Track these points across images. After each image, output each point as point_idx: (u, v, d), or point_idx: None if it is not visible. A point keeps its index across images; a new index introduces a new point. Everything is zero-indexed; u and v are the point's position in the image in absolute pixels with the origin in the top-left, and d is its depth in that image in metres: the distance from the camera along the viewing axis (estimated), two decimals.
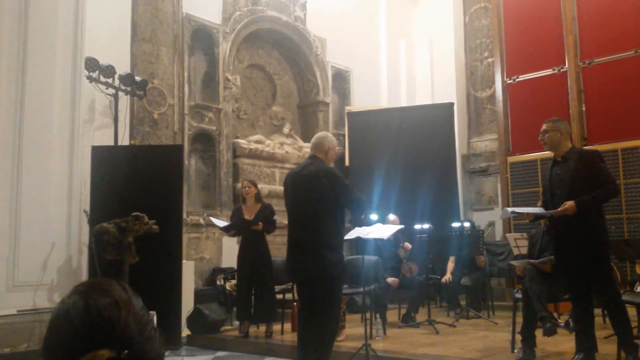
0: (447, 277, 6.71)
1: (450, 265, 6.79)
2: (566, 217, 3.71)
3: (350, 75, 9.12)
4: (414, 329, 5.82)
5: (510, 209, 3.99)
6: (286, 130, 8.38)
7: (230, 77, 7.54)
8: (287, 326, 5.75)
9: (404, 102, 9.82)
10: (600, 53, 7.42)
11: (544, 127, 3.89)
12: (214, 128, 7.30)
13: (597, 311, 4.02)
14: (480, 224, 9.39)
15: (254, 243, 5.48)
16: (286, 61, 8.64)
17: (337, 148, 3.90)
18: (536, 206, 4.81)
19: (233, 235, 6.03)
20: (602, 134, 7.25)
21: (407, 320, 6.05)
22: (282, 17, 8.20)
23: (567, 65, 7.60)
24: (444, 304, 7.24)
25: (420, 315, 6.21)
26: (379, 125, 8.60)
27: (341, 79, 9.03)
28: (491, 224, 9.25)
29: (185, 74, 7.06)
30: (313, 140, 3.75)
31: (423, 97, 9.88)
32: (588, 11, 7.52)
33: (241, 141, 7.73)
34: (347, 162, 8.58)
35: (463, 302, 6.87)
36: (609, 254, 4.03)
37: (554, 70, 7.73)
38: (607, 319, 4.10)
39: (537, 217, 3.99)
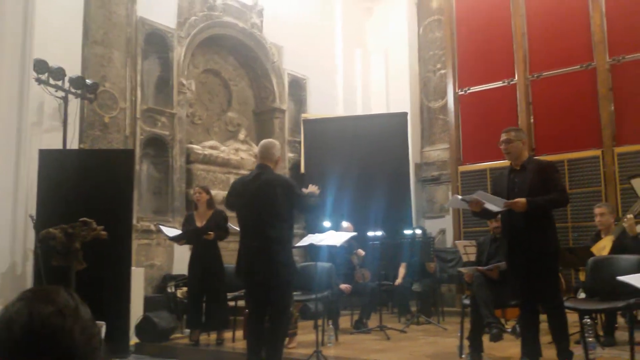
0: (399, 281, 6.84)
1: (402, 271, 6.90)
2: (519, 226, 3.81)
3: (307, 82, 9.18)
4: (365, 335, 5.87)
5: (459, 196, 4.00)
6: (242, 136, 8.34)
7: (184, 82, 7.47)
8: (239, 334, 5.71)
9: (359, 111, 9.95)
10: (548, 67, 7.69)
11: (505, 137, 3.97)
12: (167, 133, 7.20)
13: (543, 317, 4.15)
14: (431, 231, 9.58)
15: (206, 250, 5.43)
16: (242, 67, 8.61)
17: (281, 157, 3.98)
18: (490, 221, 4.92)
19: (184, 244, 5.96)
20: (550, 145, 7.50)
21: (359, 327, 6.10)
22: (238, 24, 8.18)
23: (516, 78, 7.85)
24: (396, 310, 7.33)
25: (372, 322, 6.27)
26: (334, 133, 8.68)
27: (297, 87, 9.07)
28: (442, 231, 9.43)
29: (138, 78, 6.95)
30: (261, 149, 3.81)
31: (378, 106, 10.03)
32: (537, 27, 7.80)
33: (195, 147, 7.65)
34: (302, 169, 8.61)
35: (414, 308, 6.98)
36: (558, 264, 4.17)
37: (504, 82, 7.97)
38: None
39: (484, 212, 3.94)
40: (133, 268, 5.70)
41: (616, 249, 5.00)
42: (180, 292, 6.56)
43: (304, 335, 5.52)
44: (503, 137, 3.99)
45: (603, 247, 5.13)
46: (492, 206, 3.84)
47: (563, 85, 7.51)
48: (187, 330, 5.72)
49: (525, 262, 3.85)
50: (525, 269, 3.87)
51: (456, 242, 7.13)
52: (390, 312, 7.72)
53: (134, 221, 6.27)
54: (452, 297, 8.30)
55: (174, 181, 7.19)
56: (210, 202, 5.66)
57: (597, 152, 7.13)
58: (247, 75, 8.67)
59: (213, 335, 5.60)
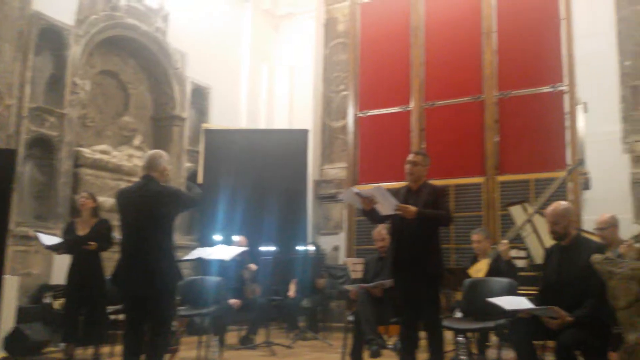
0: (291, 294, 6.89)
1: (292, 287, 6.95)
2: (408, 245, 3.97)
3: (210, 92, 9.06)
4: (251, 351, 5.83)
5: (355, 189, 4.07)
6: (137, 142, 8.06)
7: (78, 82, 7.12)
8: (118, 349, 5.45)
9: (262, 125, 9.96)
10: (441, 96, 8.11)
11: (413, 158, 4.15)
12: (56, 134, 6.81)
13: (423, 334, 4.32)
14: (326, 248, 9.74)
15: (86, 260, 5.16)
16: (143, 71, 8.36)
17: (169, 167, 3.91)
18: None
19: (63, 253, 5.60)
20: (438, 170, 7.85)
21: (246, 342, 6.05)
22: (141, 27, 7.95)
23: (412, 105, 8.20)
24: (285, 326, 7.35)
25: (260, 337, 6.25)
26: (235, 145, 8.62)
27: (200, 95, 8.93)
28: (336, 248, 9.61)
29: (28, 74, 6.54)
30: (148, 158, 3.75)
31: (281, 122, 10.11)
32: (434, 58, 8.21)
33: (85, 150, 7.30)
34: (200, 180, 8.46)
35: (303, 324, 7.04)
36: (441, 285, 4.37)
37: (400, 108, 8.30)
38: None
39: (373, 213, 4.02)
40: (6, 276, 5.29)
41: (491, 271, 5.34)
42: (58, 303, 6.17)
43: (187, 351, 5.40)
44: (411, 157, 4.17)
45: (479, 270, 5.46)
46: (384, 206, 3.94)
47: (454, 114, 7.94)
48: (63, 344, 5.39)
49: (410, 280, 4.01)
50: (410, 287, 4.03)
51: (346, 259, 7.28)
52: (279, 327, 7.72)
53: (12, 226, 5.85)
54: (341, 313, 8.44)
55: (59, 185, 6.80)
56: (95, 210, 5.41)
57: (480, 180, 7.59)
58: (148, 80, 8.42)
59: (90, 350, 5.31)
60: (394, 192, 4.10)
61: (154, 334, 3.59)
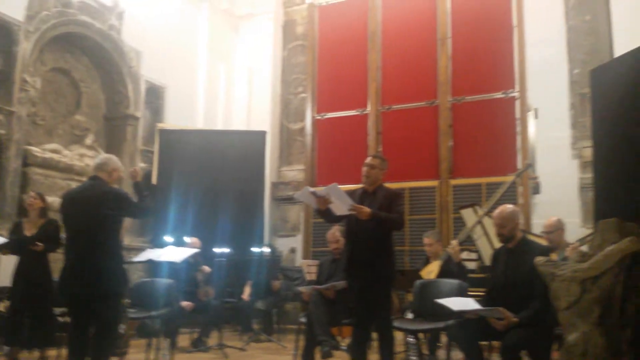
0: (246, 296, 6.86)
1: (247, 289, 6.91)
2: (361, 247, 4.00)
3: (165, 91, 8.92)
4: (203, 354, 5.77)
5: (310, 188, 4.06)
6: (89, 141, 7.87)
7: (28, 79, 6.91)
8: (65, 352, 5.31)
9: (219, 126, 9.87)
10: (397, 100, 8.23)
11: (371, 162, 4.18)
12: (4, 132, 6.59)
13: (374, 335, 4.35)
14: (283, 250, 9.72)
15: (33, 261, 5.00)
16: (96, 69, 8.16)
17: (121, 172, 3.82)
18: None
19: (8, 254, 5.42)
20: (394, 173, 7.95)
21: (198, 345, 5.98)
22: (95, 24, 7.77)
23: (369, 109, 8.29)
24: (239, 328, 7.30)
25: (213, 340, 6.18)
26: (191, 145, 8.51)
27: (155, 95, 8.78)
28: (293, 250, 9.61)
29: None
30: (96, 160, 3.69)
31: (239, 123, 10.04)
32: (391, 63, 8.32)
33: (34, 149, 7.08)
34: (154, 180, 8.31)
35: (257, 326, 7.00)
36: (392, 287, 4.41)
37: (357, 111, 8.38)
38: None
39: (328, 212, 4.03)
40: None
41: (442, 273, 5.43)
42: (2, 305, 5.96)
43: (137, 354, 5.29)
44: (369, 160, 4.20)
45: (431, 271, 5.55)
46: (339, 206, 3.95)
47: (410, 119, 8.07)
48: (7, 348, 5.20)
49: (363, 282, 4.04)
50: (362, 289, 4.06)
51: (301, 261, 7.29)
52: (233, 330, 7.66)
53: None
54: (297, 314, 8.44)
55: (7, 185, 6.58)
56: (44, 210, 5.25)
57: (434, 183, 7.73)
58: (101, 78, 8.23)
59: (35, 354, 5.16)
60: (350, 193, 4.12)
61: (99, 337, 3.52)
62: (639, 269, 2.80)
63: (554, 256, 4.42)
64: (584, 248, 4.00)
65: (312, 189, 4.03)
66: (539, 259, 3.07)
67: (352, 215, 3.98)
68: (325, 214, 4.09)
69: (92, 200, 3.52)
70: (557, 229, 4.74)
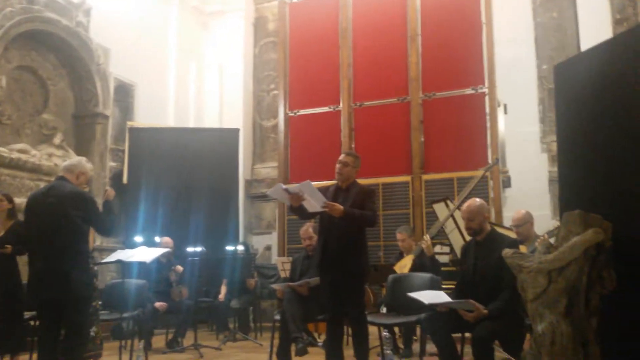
0: (222, 296, 6.83)
1: (224, 288, 6.88)
2: (334, 243, 4.02)
3: (135, 89, 8.81)
4: (178, 354, 5.72)
5: (283, 185, 4.04)
6: (57, 140, 7.72)
7: None
8: (35, 356, 5.23)
9: (191, 123, 9.79)
10: (369, 97, 8.26)
11: (344, 159, 4.20)
12: None
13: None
14: (258, 248, 9.71)
15: (1, 264, 4.90)
16: (63, 67, 8.01)
17: (90, 174, 3.77)
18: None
19: None
20: (367, 169, 7.99)
21: (173, 346, 5.93)
22: (62, 21, 7.62)
23: (341, 105, 8.30)
24: (215, 328, 7.26)
25: (188, 340, 6.14)
26: (163, 144, 8.43)
27: (124, 93, 8.66)
28: (268, 248, 9.60)
29: None
30: (66, 162, 3.64)
31: (211, 121, 9.98)
32: (362, 59, 8.35)
33: (1, 149, 6.93)
34: (125, 180, 8.21)
35: (233, 325, 6.97)
36: (365, 282, 4.44)
37: (330, 108, 8.39)
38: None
39: (301, 209, 4.02)
40: None
41: (416, 267, 5.49)
42: None
43: (111, 356, 5.23)
44: (342, 158, 4.22)
45: (404, 265, 5.60)
46: (312, 203, 3.95)
47: (381, 115, 8.11)
48: None
49: (336, 278, 4.07)
50: (335, 285, 4.08)
51: (276, 258, 7.29)
52: (209, 330, 7.62)
53: None
54: (274, 312, 8.44)
55: None
56: (12, 212, 5.13)
57: (407, 178, 7.79)
58: (69, 76, 8.08)
59: (6, 358, 5.05)
60: (323, 190, 4.14)
61: (69, 340, 3.47)
62: (603, 259, 2.86)
63: (523, 248, 4.50)
64: (553, 240, 4.08)
65: (284, 186, 4.04)
66: (506, 251, 3.12)
67: (325, 212, 4.00)
68: (298, 211, 4.09)
69: (58, 201, 3.45)
70: (526, 222, 4.81)
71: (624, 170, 2.88)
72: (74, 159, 3.77)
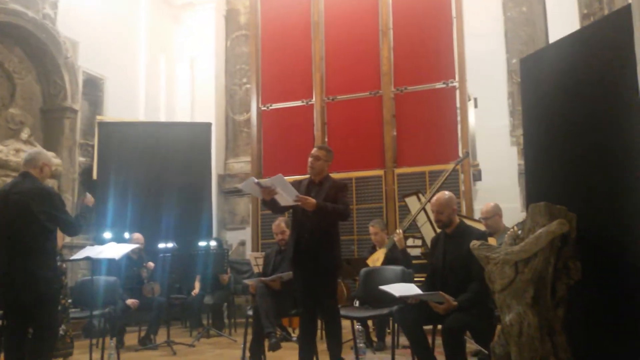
0: (195, 291, 6.78)
1: (197, 284, 6.84)
2: (307, 237, 4.01)
3: (104, 83, 8.66)
4: (151, 352, 5.67)
5: (255, 179, 3.98)
6: (25, 135, 7.55)
7: None
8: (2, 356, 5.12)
9: (162, 117, 9.67)
10: (342, 91, 8.26)
11: (317, 153, 4.18)
12: None
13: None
14: (232, 243, 9.66)
15: None
16: (30, 60, 7.83)
17: (53, 166, 3.68)
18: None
19: None
20: (340, 163, 8.01)
21: (146, 343, 5.87)
22: (28, 13, 7.45)
23: (314, 99, 8.29)
24: (188, 324, 7.21)
25: (161, 337, 6.09)
26: (133, 138, 8.32)
27: (93, 86, 8.51)
28: (242, 243, 9.56)
29: None
30: (25, 156, 3.53)
31: (183, 115, 9.87)
32: (334, 53, 8.34)
33: None
34: (94, 175, 8.08)
35: (207, 322, 6.93)
36: (338, 276, 4.44)
37: (302, 102, 8.37)
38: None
39: (273, 203, 4.00)
40: None
41: (388, 260, 5.52)
42: None
43: (83, 354, 5.15)
44: (315, 152, 4.21)
45: (377, 259, 5.63)
46: (284, 197, 3.94)
47: (354, 109, 8.12)
48: None
49: (309, 272, 4.06)
50: (308, 279, 4.08)
51: (249, 253, 7.26)
52: (183, 326, 7.57)
53: None
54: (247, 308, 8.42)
55: None
56: None
57: (380, 172, 7.82)
58: (35, 69, 7.90)
59: None
60: (296, 184, 4.13)
61: (36, 340, 3.40)
62: (569, 250, 2.91)
63: (492, 240, 4.56)
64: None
65: (256, 180, 4.01)
66: (474, 243, 3.16)
67: (298, 206, 3.99)
68: (270, 205, 4.08)
69: (23, 198, 3.35)
70: (494, 214, 4.87)
71: (588, 162, 2.94)
72: (32, 150, 3.63)
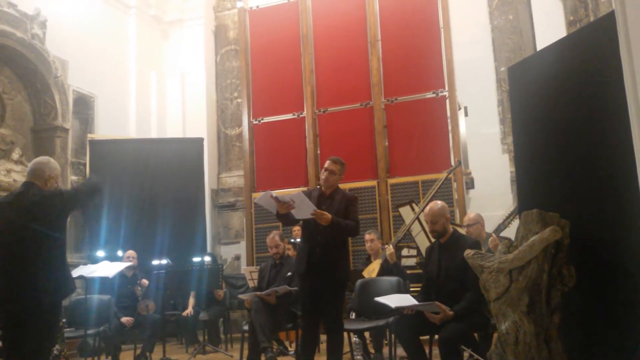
0: (189, 310, 6.72)
1: (192, 300, 6.79)
2: (318, 251, 4.00)
3: (95, 101, 8.65)
4: None
5: (273, 193, 3.96)
6: (16, 155, 7.53)
7: None
8: None
9: (153, 134, 9.66)
10: (333, 103, 8.27)
11: (332, 167, 4.18)
12: None
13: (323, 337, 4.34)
14: (227, 257, 9.62)
15: None
16: (20, 80, 7.82)
17: (58, 178, 3.57)
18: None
19: None
20: None
21: None
22: (16, 33, 7.45)
23: (305, 112, 8.30)
24: (184, 341, 7.15)
25: (157, 354, 6.04)
26: (125, 156, 8.29)
27: (84, 105, 8.50)
28: (237, 257, 9.52)
29: None
30: (31, 165, 3.42)
31: (174, 131, 9.86)
32: (324, 66, 8.36)
33: None
34: None
35: (203, 338, 6.88)
36: (345, 290, 4.41)
37: (294, 115, 8.37)
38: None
39: (287, 216, 4.01)
40: None
41: (383, 271, 5.52)
42: None
43: None
44: (329, 166, 4.20)
45: (373, 270, 5.62)
46: (301, 211, 3.94)
47: (345, 120, 8.13)
48: None
49: (320, 286, 4.02)
50: (317, 291, 4.03)
51: (243, 268, 7.22)
52: (179, 343, 7.51)
53: None
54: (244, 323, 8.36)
55: None
56: None
57: (373, 183, 7.83)
58: (26, 89, 7.89)
59: None
60: (307, 194, 4.11)
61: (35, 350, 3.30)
62: (562, 257, 2.92)
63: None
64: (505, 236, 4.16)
65: (274, 194, 4.00)
66: (468, 252, 3.16)
67: (311, 219, 3.98)
68: (283, 218, 4.07)
69: (31, 207, 3.23)
70: (476, 222, 4.92)
71: (579, 168, 2.95)
72: (36, 160, 3.45)
